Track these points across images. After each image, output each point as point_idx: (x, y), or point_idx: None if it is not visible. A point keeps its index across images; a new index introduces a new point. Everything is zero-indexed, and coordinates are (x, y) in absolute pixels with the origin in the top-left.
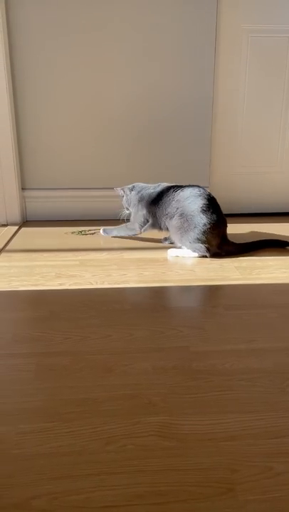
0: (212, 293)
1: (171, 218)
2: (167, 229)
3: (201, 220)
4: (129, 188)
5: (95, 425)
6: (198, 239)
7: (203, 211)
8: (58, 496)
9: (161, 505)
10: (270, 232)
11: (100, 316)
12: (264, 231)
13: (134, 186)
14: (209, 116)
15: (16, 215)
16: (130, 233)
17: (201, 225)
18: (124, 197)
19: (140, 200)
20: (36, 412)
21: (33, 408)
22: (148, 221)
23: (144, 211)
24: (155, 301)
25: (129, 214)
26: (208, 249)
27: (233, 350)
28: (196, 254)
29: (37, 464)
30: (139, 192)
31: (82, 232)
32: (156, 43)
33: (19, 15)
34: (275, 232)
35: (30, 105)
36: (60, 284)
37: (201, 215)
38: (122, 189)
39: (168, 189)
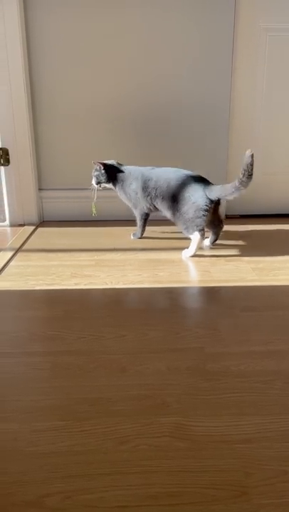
0: (228, 294)
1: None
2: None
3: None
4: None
5: (108, 425)
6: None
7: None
8: (71, 494)
9: (174, 507)
10: None
11: (114, 315)
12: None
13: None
14: (226, 116)
15: (32, 215)
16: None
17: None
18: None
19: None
20: (50, 411)
21: (48, 406)
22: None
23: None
24: (170, 302)
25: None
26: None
27: (248, 351)
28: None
29: (50, 462)
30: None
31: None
32: (174, 43)
33: (36, 17)
34: None
35: (48, 107)
36: (76, 284)
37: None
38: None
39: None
